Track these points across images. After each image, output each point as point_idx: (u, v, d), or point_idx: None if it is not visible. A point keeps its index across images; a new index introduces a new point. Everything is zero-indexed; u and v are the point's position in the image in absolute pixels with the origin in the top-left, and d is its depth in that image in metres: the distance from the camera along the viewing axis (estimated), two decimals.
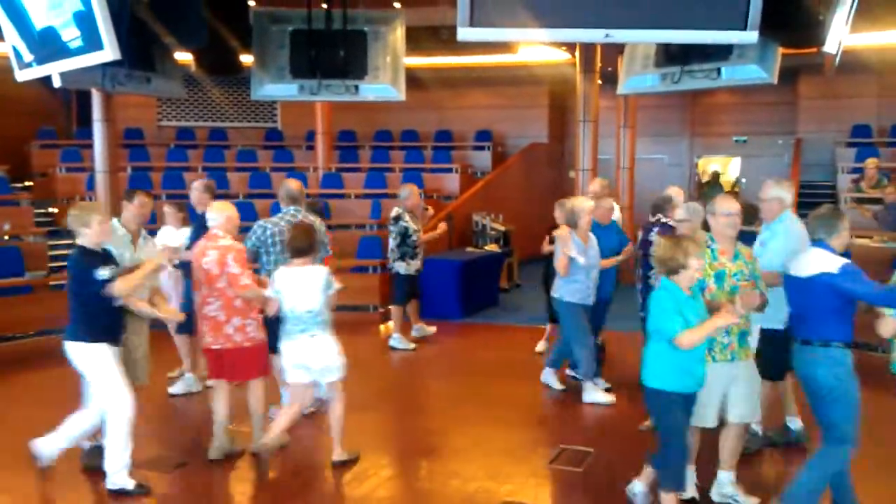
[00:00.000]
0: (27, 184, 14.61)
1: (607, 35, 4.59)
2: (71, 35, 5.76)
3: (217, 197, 7.06)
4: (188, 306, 6.66)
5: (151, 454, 5.74)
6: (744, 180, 17.35)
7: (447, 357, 9.23)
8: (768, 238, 5.38)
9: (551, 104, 17.17)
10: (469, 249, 12.41)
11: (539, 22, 4.48)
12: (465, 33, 4.47)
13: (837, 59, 5.97)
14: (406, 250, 8.99)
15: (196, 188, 7.34)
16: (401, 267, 9.07)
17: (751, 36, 4.72)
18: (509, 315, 10.98)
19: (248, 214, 10.79)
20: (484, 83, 16.57)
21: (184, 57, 7.47)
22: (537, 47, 14.14)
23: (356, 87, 7.80)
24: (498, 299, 11.84)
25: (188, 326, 6.61)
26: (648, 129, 15.79)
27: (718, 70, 6.66)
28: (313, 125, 15.14)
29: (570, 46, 12.68)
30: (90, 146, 10.78)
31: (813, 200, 13.84)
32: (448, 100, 16.86)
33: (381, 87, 7.79)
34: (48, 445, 5.23)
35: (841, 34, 5.46)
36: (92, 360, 5.00)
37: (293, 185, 6.69)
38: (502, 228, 13.00)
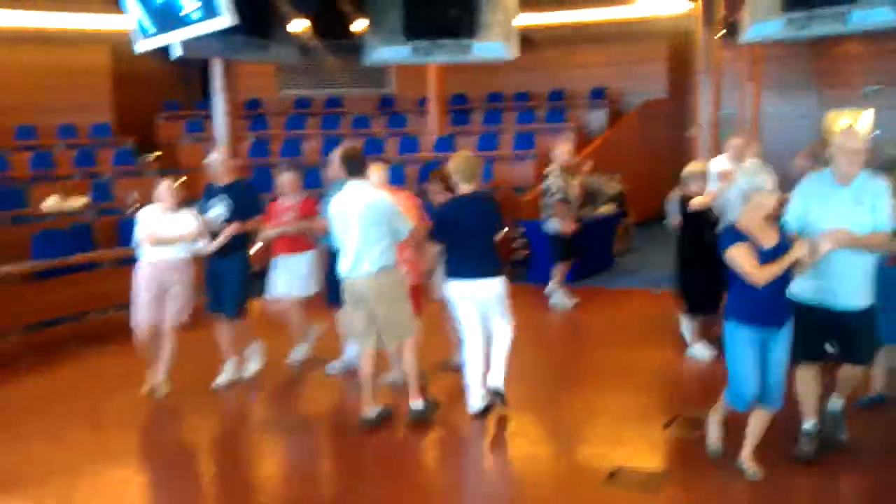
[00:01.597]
0: (154, 155, 15.21)
1: None
2: (191, 5, 5.90)
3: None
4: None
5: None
6: (878, 132, 16.38)
7: (558, 322, 9.15)
8: (868, 197, 4.63)
9: (670, 58, 16.57)
10: (583, 211, 12.19)
11: None
12: None
13: None
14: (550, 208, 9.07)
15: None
16: (549, 225, 9.15)
17: None
18: (624, 279, 10.76)
19: None
20: (597, 40, 16.14)
21: (299, 23, 7.58)
22: None
23: (468, 47, 7.75)
24: (613, 262, 11.64)
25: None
26: (773, 81, 15.10)
27: (847, 13, 6.30)
28: (426, 91, 15.16)
29: None
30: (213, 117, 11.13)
31: None
32: (561, 59, 16.52)
33: (493, 45, 7.71)
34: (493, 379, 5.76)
35: None
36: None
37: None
38: (617, 188, 12.71)
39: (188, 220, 6.38)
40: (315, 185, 12.59)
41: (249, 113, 16.11)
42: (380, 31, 7.79)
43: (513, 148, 14.26)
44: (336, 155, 6.68)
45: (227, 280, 6.57)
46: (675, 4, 13.69)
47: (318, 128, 15.86)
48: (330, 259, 6.60)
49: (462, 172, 5.68)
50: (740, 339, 4.47)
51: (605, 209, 12.18)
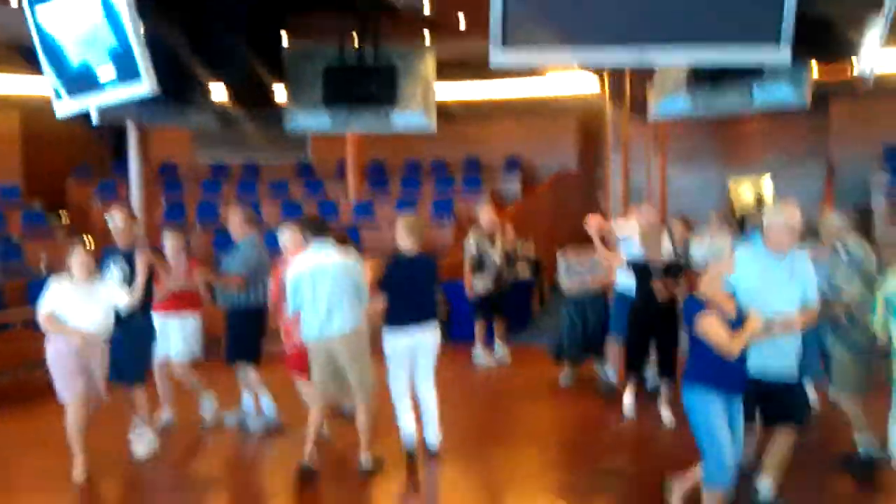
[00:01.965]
0: (64, 217, 14.87)
1: (641, 54, 4.61)
2: (107, 70, 5.87)
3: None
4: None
5: None
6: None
7: (481, 379, 9.37)
8: (799, 270, 4.89)
9: (580, 133, 17.16)
10: None
11: (572, 44, 4.53)
12: (497, 58, 4.50)
13: (870, 78, 5.92)
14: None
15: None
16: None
17: (784, 52, 4.69)
18: (542, 337, 10.93)
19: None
20: (512, 114, 16.59)
21: (219, 90, 7.60)
22: (566, 77, 14.21)
23: (388, 118, 7.89)
24: (529, 323, 11.89)
25: None
26: (678, 156, 15.71)
27: (750, 92, 6.66)
28: (343, 156, 15.28)
29: (600, 73, 12.71)
30: (126, 180, 11.00)
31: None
32: (476, 130, 16.88)
33: (412, 117, 7.88)
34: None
35: (874, 54, 5.42)
36: None
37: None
38: (532, 254, 12.98)
39: (101, 294, 6.00)
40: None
41: (164, 177, 15.92)
42: (300, 100, 7.87)
43: (431, 213, 14.44)
44: (235, 215, 6.89)
45: (127, 346, 6.30)
46: (585, 84, 14.26)
47: (235, 193, 15.75)
48: (233, 317, 6.73)
49: (412, 232, 6.15)
50: (713, 408, 4.41)
51: (523, 272, 12.41)
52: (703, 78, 6.77)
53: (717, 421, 4.40)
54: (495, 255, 9.65)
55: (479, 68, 6.49)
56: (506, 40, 4.50)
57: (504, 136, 17.05)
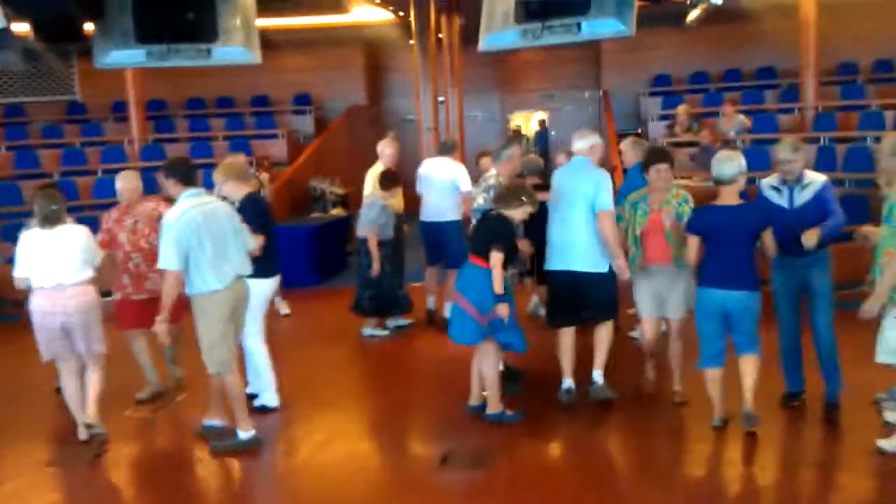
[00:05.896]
0: None
1: None
2: None
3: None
4: None
5: None
6: (553, 133, 18.27)
7: (313, 324, 9.25)
8: None
9: (367, 65, 17.11)
10: (315, 215, 12.30)
11: None
12: None
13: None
14: None
15: None
16: None
17: None
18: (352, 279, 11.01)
19: (69, 194, 10.31)
20: (298, 45, 16.19)
21: (22, 25, 6.85)
22: (355, 7, 14.06)
23: (208, 51, 7.49)
24: (347, 262, 11.84)
25: None
26: (466, 87, 16.11)
27: (578, 25, 6.97)
28: (119, 95, 14.29)
29: (404, 7, 12.69)
30: None
31: None
32: (263, 65, 16.27)
33: (234, 49, 7.52)
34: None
35: None
36: None
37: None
38: (341, 192, 12.95)
39: None
40: (14, 202, 11.48)
41: None
42: (110, 34, 7.29)
43: (228, 154, 13.88)
44: None
45: None
46: (372, 13, 14.20)
47: (3, 139, 14.28)
48: None
49: (241, 175, 6.25)
50: None
51: (336, 212, 12.37)
52: (532, 12, 7.01)
53: None
54: None
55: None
56: None
57: (291, 69, 16.60)
